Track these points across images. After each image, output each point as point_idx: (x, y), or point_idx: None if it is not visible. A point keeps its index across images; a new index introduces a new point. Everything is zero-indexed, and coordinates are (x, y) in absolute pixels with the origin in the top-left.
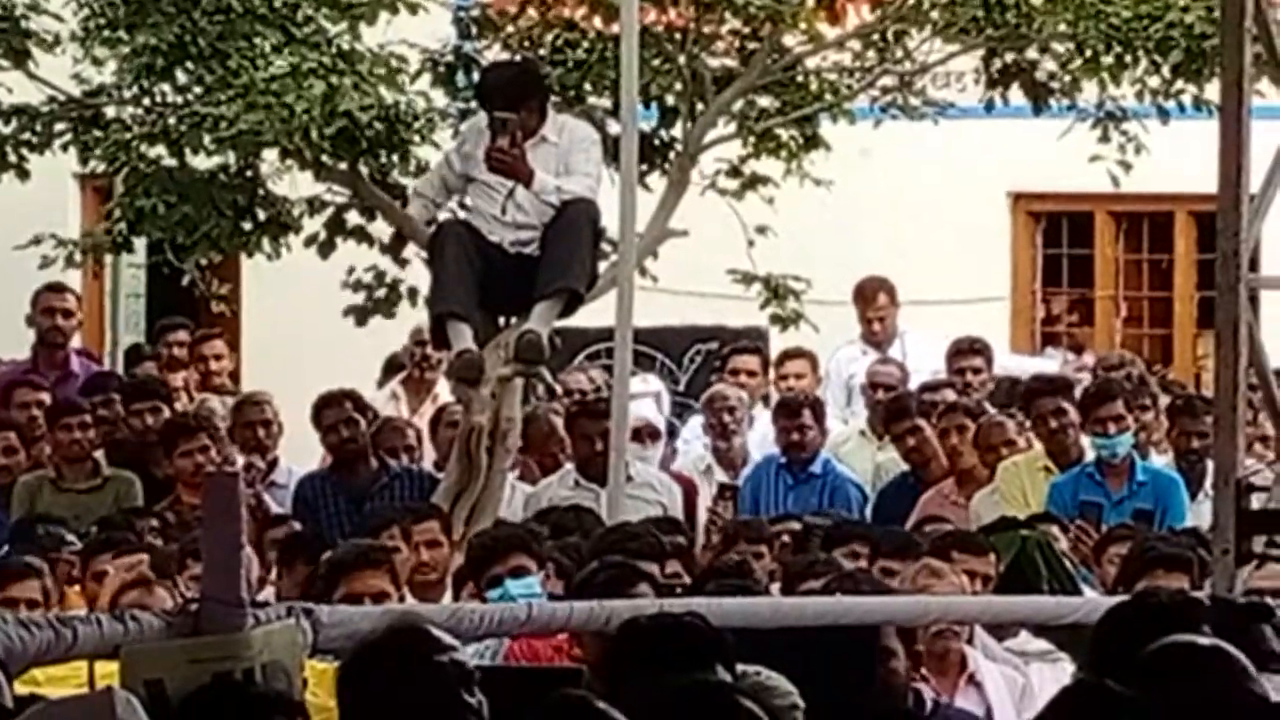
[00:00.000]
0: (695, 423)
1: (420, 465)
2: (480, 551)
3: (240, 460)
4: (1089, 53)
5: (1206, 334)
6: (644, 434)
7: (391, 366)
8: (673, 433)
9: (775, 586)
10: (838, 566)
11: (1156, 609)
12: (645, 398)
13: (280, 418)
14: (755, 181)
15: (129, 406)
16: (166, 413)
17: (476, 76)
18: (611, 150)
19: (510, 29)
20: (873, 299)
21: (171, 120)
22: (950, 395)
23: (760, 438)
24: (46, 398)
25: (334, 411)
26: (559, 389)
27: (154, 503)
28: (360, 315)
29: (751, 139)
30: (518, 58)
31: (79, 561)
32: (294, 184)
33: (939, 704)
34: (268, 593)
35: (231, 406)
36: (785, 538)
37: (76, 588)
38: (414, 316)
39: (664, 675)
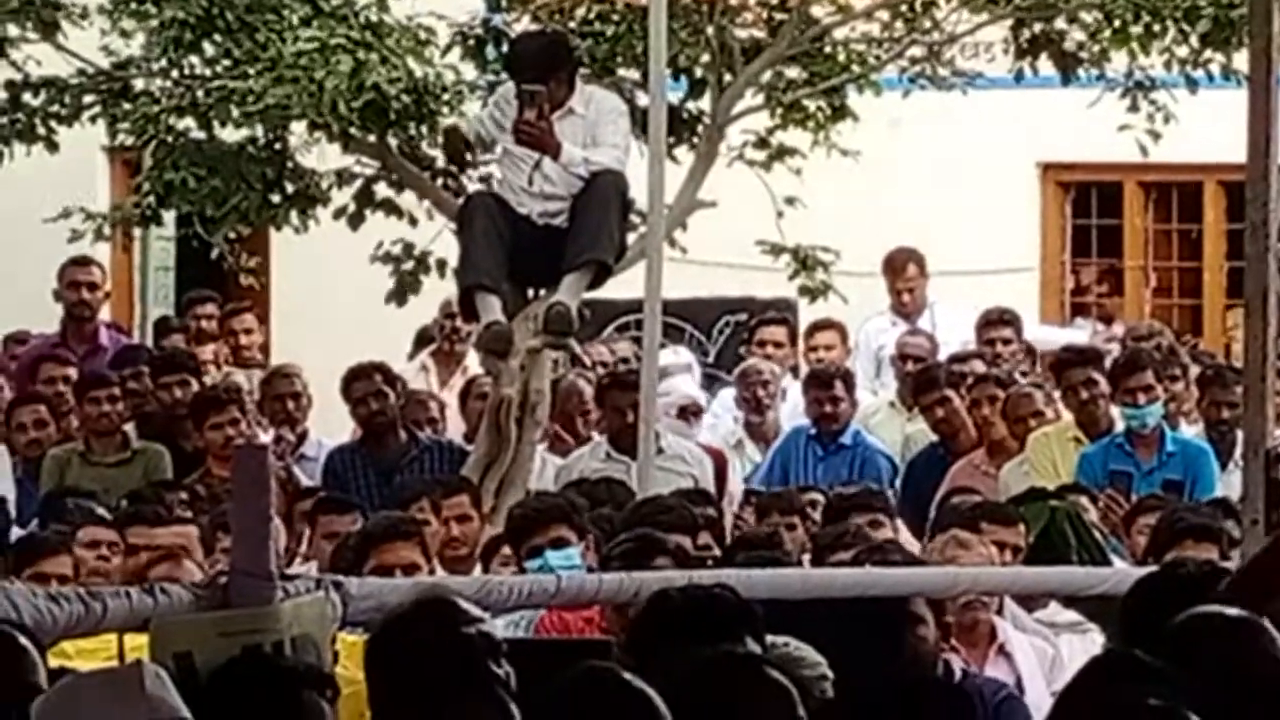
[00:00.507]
0: (726, 395)
1: (444, 438)
2: (521, 521)
3: (270, 433)
4: (1117, 22)
5: (1237, 305)
6: (689, 412)
7: (422, 339)
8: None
9: (805, 558)
10: (866, 537)
11: (1185, 579)
12: (685, 373)
13: (309, 390)
14: (783, 153)
15: (157, 380)
16: (195, 386)
17: (505, 49)
18: (640, 122)
19: (539, 1)
20: (902, 270)
21: (200, 93)
22: (980, 366)
23: (790, 409)
24: (74, 372)
25: (363, 384)
26: (588, 360)
27: (183, 476)
28: (400, 297)
29: (779, 110)
30: (547, 29)
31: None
32: (322, 156)
33: (968, 673)
34: (299, 566)
35: (261, 379)
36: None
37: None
38: (444, 289)
39: (693, 647)
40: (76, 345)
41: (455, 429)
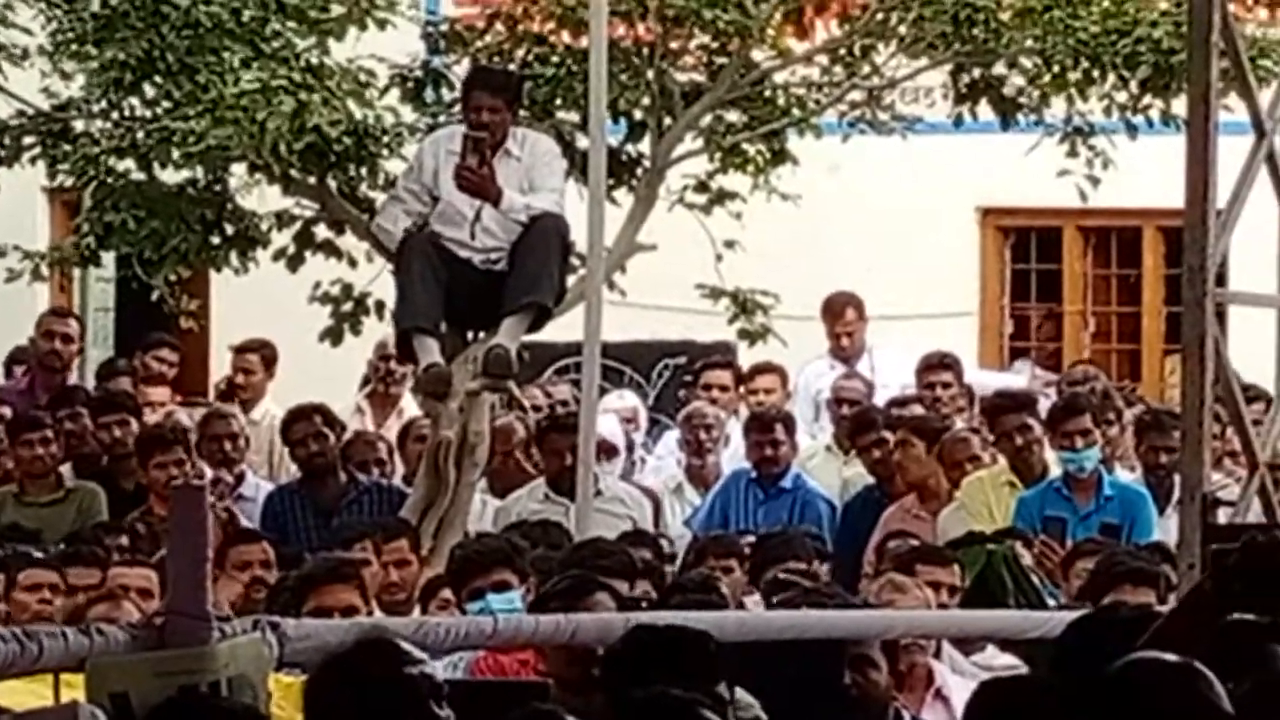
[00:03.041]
0: (669, 438)
1: (390, 479)
2: (463, 564)
3: (209, 474)
4: (1057, 68)
5: (1175, 351)
6: (600, 450)
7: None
8: (632, 448)
9: (752, 599)
10: (804, 580)
11: (1121, 623)
12: (607, 414)
13: (247, 431)
14: (723, 196)
15: (97, 419)
16: (135, 426)
17: (445, 92)
18: (580, 165)
19: (479, 44)
20: (841, 314)
21: (140, 134)
22: (919, 409)
23: (731, 452)
24: (8, 412)
25: (303, 425)
26: (527, 404)
27: (122, 515)
28: (335, 336)
29: (719, 154)
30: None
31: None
32: (262, 198)
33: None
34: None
35: (198, 420)
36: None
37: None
38: (384, 330)
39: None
40: (44, 395)
41: (396, 471)
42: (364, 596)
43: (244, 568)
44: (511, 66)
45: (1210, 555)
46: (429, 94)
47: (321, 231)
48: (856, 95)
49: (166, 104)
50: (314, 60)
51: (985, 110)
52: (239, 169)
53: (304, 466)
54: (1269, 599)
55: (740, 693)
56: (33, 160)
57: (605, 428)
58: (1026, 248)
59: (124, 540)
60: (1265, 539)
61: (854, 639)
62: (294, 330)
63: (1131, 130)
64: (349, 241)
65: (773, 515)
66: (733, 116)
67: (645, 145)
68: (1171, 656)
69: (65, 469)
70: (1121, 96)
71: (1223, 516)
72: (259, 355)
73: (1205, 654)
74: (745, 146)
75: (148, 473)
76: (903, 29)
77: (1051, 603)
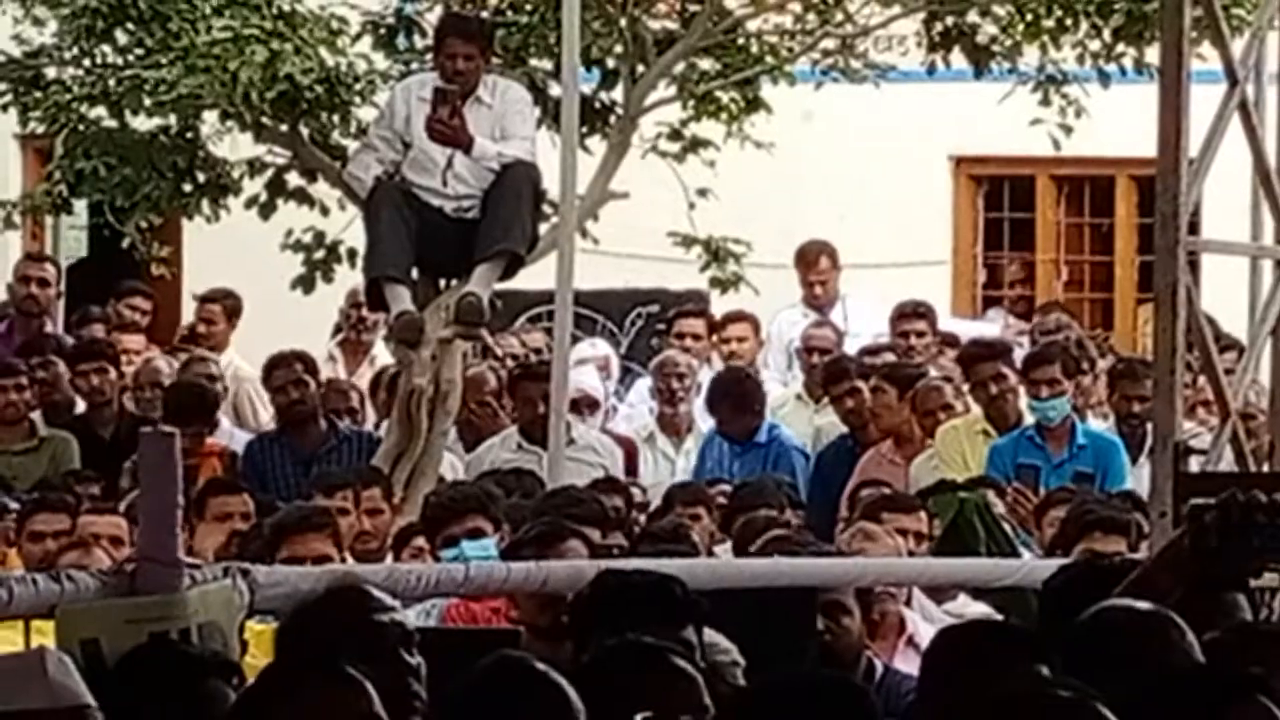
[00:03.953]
0: (642, 386)
1: (363, 428)
2: (437, 511)
3: None
4: (1030, 16)
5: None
6: (582, 405)
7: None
8: (605, 396)
9: (723, 547)
10: (776, 528)
11: (1106, 572)
12: (587, 364)
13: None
14: (696, 144)
15: (75, 367)
16: (113, 374)
17: (417, 39)
18: (552, 113)
19: None
20: (815, 263)
21: (112, 82)
22: (891, 358)
23: (705, 401)
24: None
25: (283, 373)
26: (500, 351)
27: (99, 464)
28: (307, 284)
29: (692, 101)
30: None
31: (15, 523)
32: (234, 146)
33: (888, 669)
34: None
35: (178, 366)
36: (721, 500)
37: (14, 549)
38: (357, 278)
39: (631, 632)
40: (21, 341)
41: (368, 419)
42: (338, 545)
43: (225, 519)
44: (484, 14)
45: (1188, 511)
46: (401, 41)
47: (293, 179)
48: (830, 43)
49: (138, 51)
50: (286, 7)
51: (958, 59)
52: (211, 116)
53: (284, 414)
54: (1243, 555)
55: (718, 637)
56: (4, 108)
57: (585, 380)
58: (999, 196)
59: (95, 490)
60: (1244, 497)
61: (827, 586)
62: (266, 278)
63: (1104, 79)
64: (321, 189)
65: (748, 468)
66: (706, 64)
67: (618, 93)
68: (1142, 604)
69: (36, 417)
70: (1095, 45)
71: (1195, 465)
72: (221, 305)
73: (1180, 608)
74: (718, 94)
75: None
76: None
77: (1025, 552)
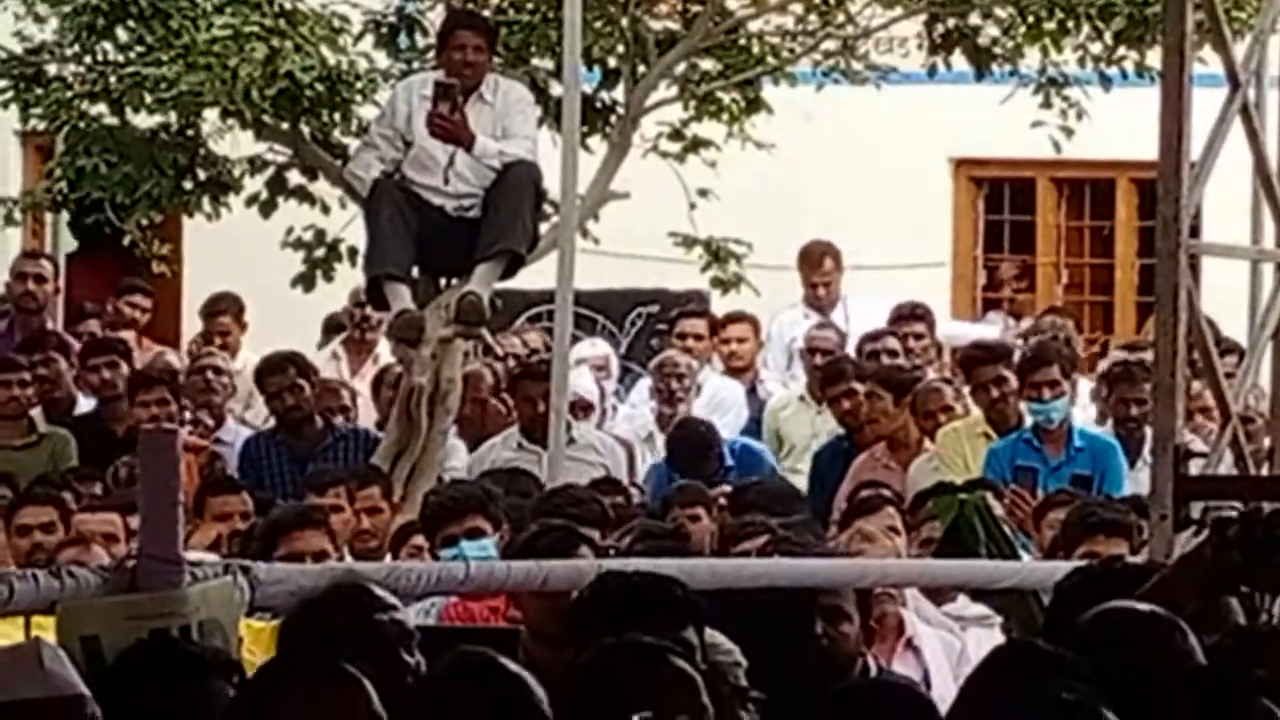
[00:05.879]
0: (643, 386)
1: (359, 426)
2: (437, 510)
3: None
4: (1031, 19)
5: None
6: (576, 408)
7: (330, 327)
8: (604, 397)
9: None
10: (774, 529)
11: (1117, 576)
12: (581, 367)
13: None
14: (697, 144)
15: (86, 361)
16: (125, 368)
17: (419, 38)
18: (554, 112)
19: None
20: (818, 263)
21: (113, 79)
22: (893, 344)
23: (706, 401)
24: None
25: (277, 379)
26: (500, 351)
27: (113, 460)
28: (307, 282)
29: (693, 102)
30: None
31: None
32: (235, 143)
33: (883, 672)
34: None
35: (189, 361)
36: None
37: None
38: (355, 276)
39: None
40: (21, 338)
41: (367, 417)
42: (333, 541)
43: (224, 518)
44: (486, 13)
45: (1210, 524)
46: (403, 40)
47: (294, 177)
48: (831, 44)
49: (139, 49)
50: (287, 5)
51: (959, 60)
52: (211, 114)
53: (281, 418)
54: (1266, 569)
55: (720, 637)
56: (5, 104)
57: (580, 384)
58: (1000, 199)
59: (97, 489)
60: (1268, 511)
61: (826, 589)
62: (266, 276)
63: (1105, 82)
64: (322, 187)
65: None
66: (707, 64)
67: (619, 93)
68: (1145, 606)
69: (36, 414)
70: (1096, 48)
71: (1194, 468)
72: (229, 314)
73: (1192, 618)
74: (719, 94)
75: (132, 413)
76: None
77: (1024, 554)
